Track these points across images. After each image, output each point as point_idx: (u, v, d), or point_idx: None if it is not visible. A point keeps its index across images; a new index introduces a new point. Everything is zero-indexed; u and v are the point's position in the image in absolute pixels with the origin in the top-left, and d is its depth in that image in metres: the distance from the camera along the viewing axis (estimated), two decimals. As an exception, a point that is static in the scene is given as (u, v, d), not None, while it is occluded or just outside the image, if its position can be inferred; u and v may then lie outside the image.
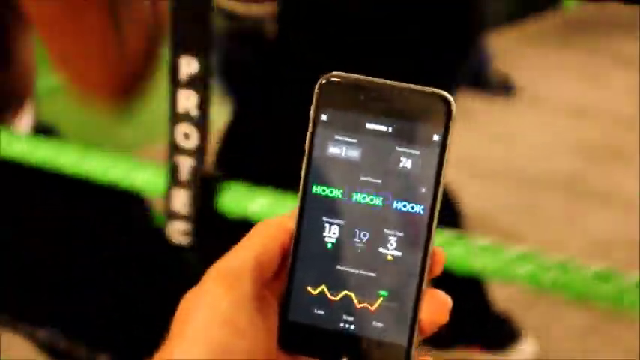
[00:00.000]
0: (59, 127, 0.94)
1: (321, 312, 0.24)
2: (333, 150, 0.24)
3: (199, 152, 0.67)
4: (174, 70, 0.65)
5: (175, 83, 0.66)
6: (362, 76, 0.24)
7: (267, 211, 0.67)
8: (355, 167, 0.24)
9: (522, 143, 2.27)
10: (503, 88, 2.54)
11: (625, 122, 2.27)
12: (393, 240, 0.24)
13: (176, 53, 0.65)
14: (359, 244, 0.24)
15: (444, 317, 0.24)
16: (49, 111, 1.10)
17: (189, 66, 0.65)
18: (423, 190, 0.23)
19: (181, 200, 0.68)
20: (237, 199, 0.68)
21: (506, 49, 2.77)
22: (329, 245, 0.24)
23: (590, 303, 0.86)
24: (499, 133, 2.32)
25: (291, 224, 0.25)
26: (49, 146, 0.74)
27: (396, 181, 0.24)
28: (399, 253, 0.24)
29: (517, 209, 1.91)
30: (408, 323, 0.23)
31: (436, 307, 0.24)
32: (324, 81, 0.24)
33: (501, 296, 1.44)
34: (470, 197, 1.55)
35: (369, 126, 0.24)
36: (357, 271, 0.24)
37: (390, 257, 0.24)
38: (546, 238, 1.78)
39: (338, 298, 0.24)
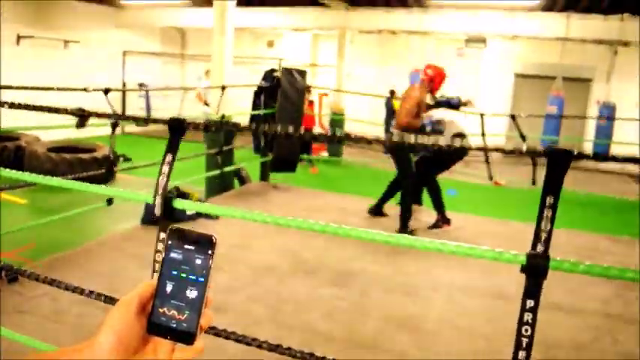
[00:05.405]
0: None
1: (164, 319, 0.57)
2: (173, 255, 0.58)
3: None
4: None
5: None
6: (184, 229, 0.59)
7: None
8: (180, 262, 0.58)
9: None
10: None
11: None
12: (191, 292, 0.58)
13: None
14: (180, 293, 0.57)
15: (209, 322, 0.58)
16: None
17: None
18: (204, 271, 0.58)
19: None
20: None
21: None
22: (168, 291, 0.58)
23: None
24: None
25: (155, 283, 0.58)
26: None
27: (195, 270, 0.58)
28: (194, 297, 0.57)
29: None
30: (195, 325, 0.57)
31: (207, 318, 0.58)
32: (172, 228, 0.59)
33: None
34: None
35: (186, 246, 0.58)
36: (177, 303, 0.57)
37: (190, 298, 0.57)
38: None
39: (170, 313, 0.57)
